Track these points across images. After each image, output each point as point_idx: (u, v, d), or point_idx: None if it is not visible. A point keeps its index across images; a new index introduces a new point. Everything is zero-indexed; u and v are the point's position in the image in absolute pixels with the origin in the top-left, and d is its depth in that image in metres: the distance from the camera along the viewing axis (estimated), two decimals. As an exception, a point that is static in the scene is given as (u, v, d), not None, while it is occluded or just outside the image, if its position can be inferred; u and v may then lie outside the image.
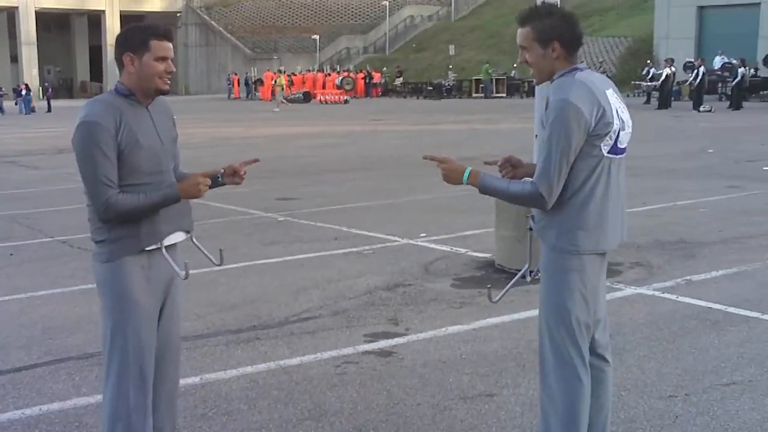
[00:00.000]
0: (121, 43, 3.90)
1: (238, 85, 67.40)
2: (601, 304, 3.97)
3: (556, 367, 3.88)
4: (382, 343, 6.43)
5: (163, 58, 3.87)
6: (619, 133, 3.73)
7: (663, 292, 7.67)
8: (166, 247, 3.99)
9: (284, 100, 51.75)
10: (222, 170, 4.09)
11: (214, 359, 6.12)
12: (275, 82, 55.09)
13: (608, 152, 3.73)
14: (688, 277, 8.17)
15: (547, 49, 3.77)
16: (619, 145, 3.77)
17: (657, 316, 6.99)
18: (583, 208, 3.76)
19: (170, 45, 3.93)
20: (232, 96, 66.82)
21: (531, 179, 3.73)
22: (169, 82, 3.93)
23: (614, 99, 3.76)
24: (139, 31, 3.91)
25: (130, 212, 3.80)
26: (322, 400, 5.35)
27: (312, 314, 7.23)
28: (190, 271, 4.05)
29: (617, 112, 3.74)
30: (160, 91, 3.92)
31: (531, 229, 4.01)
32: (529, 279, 4.19)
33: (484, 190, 3.81)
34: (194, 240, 4.23)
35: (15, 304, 7.76)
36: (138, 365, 3.93)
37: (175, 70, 3.97)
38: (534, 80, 4.03)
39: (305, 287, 8.10)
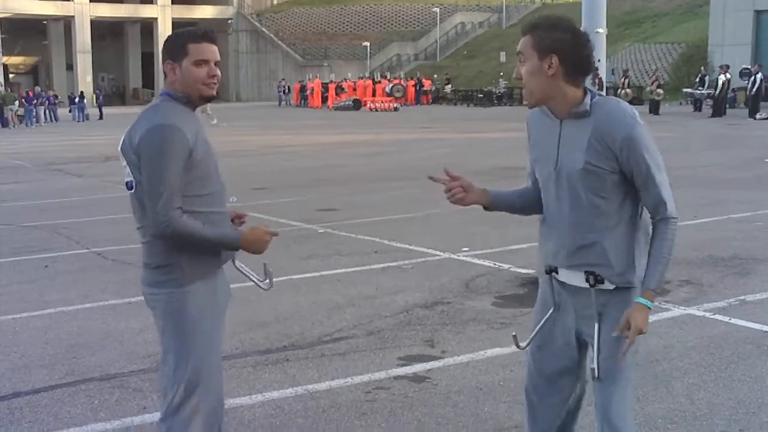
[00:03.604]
0: (164, 51, 3.70)
1: (299, 92, 67.28)
2: None
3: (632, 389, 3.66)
4: (417, 367, 6.13)
5: (204, 62, 3.63)
6: None
7: (715, 314, 7.28)
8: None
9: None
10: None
11: (240, 382, 5.86)
12: None
13: None
14: (742, 297, 7.76)
15: (544, 61, 3.35)
16: None
17: (708, 339, 6.60)
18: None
19: (212, 47, 3.68)
20: (292, 103, 66.96)
21: (659, 217, 3.43)
22: (214, 86, 3.68)
23: None
24: (178, 36, 3.71)
25: (186, 237, 3.55)
26: (349, 429, 5.07)
27: (345, 334, 6.96)
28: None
29: None
30: (205, 98, 3.68)
31: (593, 285, 3.48)
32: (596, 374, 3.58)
33: (659, 286, 3.43)
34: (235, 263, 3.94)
35: (44, 319, 7.59)
36: (215, 399, 3.74)
37: (219, 73, 3.71)
38: (525, 101, 3.52)
39: (340, 304, 7.84)
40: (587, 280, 3.47)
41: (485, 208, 3.78)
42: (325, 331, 7.05)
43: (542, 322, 3.69)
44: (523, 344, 3.76)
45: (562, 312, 3.63)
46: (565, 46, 3.35)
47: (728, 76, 38.12)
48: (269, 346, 6.70)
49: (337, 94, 60.61)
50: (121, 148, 3.60)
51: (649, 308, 3.40)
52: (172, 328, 3.67)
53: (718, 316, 7.20)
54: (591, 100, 3.40)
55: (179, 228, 3.50)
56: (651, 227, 3.48)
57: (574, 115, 3.41)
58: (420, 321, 7.28)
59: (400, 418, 5.21)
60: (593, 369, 3.51)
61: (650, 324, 6.80)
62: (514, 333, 3.86)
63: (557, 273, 3.58)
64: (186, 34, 3.70)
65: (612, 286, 3.47)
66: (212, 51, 3.66)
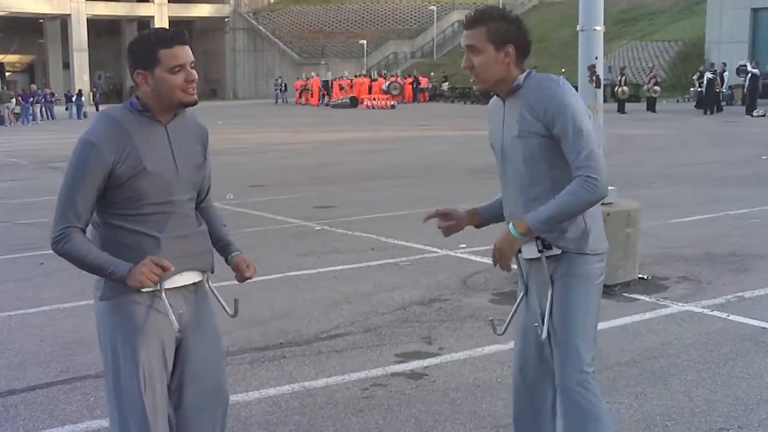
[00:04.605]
0: (130, 59, 3.37)
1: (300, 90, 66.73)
2: None
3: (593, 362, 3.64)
4: (414, 364, 6.10)
5: (180, 67, 3.32)
6: None
7: (713, 310, 7.26)
8: (176, 288, 3.46)
9: None
10: (237, 252, 3.71)
11: (237, 379, 5.83)
12: None
13: None
14: (740, 294, 7.74)
15: (500, 52, 3.53)
16: None
17: (706, 336, 6.58)
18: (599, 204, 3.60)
19: (183, 49, 3.34)
20: (289, 100, 66.50)
21: (577, 174, 3.41)
22: (193, 91, 3.38)
23: None
24: (145, 41, 3.36)
25: (72, 259, 3.32)
26: (345, 426, 5.05)
27: (342, 331, 6.93)
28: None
29: None
30: (184, 104, 3.39)
31: (542, 251, 3.58)
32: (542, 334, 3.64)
33: (539, 229, 3.46)
34: (209, 283, 3.67)
35: (39, 317, 7.57)
36: (137, 419, 3.40)
37: (197, 77, 3.39)
38: (475, 87, 3.70)
39: (337, 301, 7.81)
40: (537, 247, 3.58)
41: (477, 227, 3.97)
42: (321, 328, 7.02)
43: (515, 306, 3.80)
44: (500, 330, 3.82)
45: (532, 291, 3.73)
46: (516, 35, 3.57)
47: (725, 73, 38.09)
48: (266, 343, 6.67)
49: (340, 90, 60.75)
50: None
51: (514, 236, 3.47)
52: (101, 341, 3.49)
53: (716, 313, 7.17)
54: (526, 76, 3.59)
55: (66, 249, 3.30)
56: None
57: (511, 93, 3.60)
58: (417, 318, 7.25)
59: (397, 415, 5.18)
60: (538, 327, 3.63)
61: (648, 321, 6.81)
62: (491, 318, 3.88)
63: (521, 251, 3.66)
64: (154, 38, 3.35)
65: (559, 251, 3.56)
66: (185, 53, 3.36)
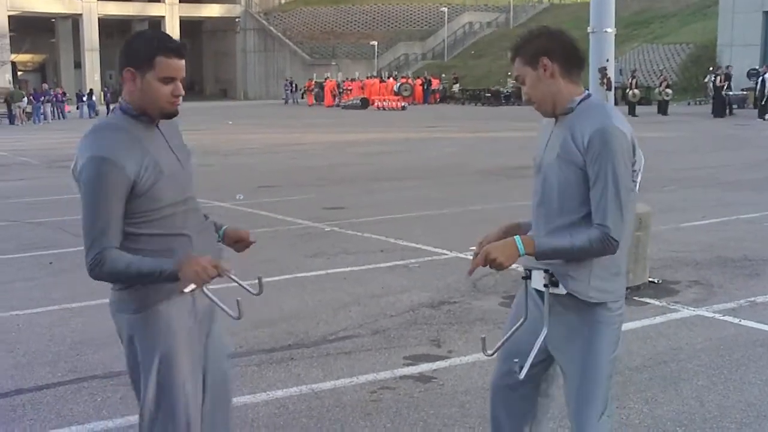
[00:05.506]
0: (124, 53, 3.30)
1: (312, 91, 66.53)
2: None
3: (608, 408, 3.46)
4: (423, 367, 6.07)
5: (171, 79, 3.29)
6: (639, 172, 3.38)
7: (724, 315, 7.20)
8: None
9: None
10: (224, 226, 3.70)
11: (245, 381, 5.80)
12: None
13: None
14: (752, 298, 7.68)
15: (538, 68, 3.35)
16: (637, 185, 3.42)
17: (718, 341, 6.53)
18: (623, 251, 3.35)
19: (181, 63, 3.32)
20: (299, 101, 66.41)
21: (596, 223, 3.23)
22: (178, 104, 3.35)
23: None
24: (146, 42, 3.30)
25: (114, 278, 3.25)
26: (353, 429, 5.01)
27: (351, 333, 6.90)
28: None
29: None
30: (166, 114, 3.35)
31: (547, 286, 3.38)
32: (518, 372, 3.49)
33: (543, 254, 3.28)
34: (205, 289, 3.53)
35: (48, 316, 7.55)
36: (186, 424, 3.40)
37: (183, 93, 3.36)
38: (539, 112, 3.52)
39: (346, 303, 7.78)
40: (544, 279, 3.39)
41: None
42: (330, 330, 6.99)
43: (512, 330, 3.61)
44: (489, 351, 3.64)
45: (529, 320, 3.54)
46: (548, 45, 3.37)
47: (728, 75, 38.12)
48: (274, 344, 6.64)
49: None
50: (72, 170, 3.31)
51: (518, 251, 3.29)
52: (137, 351, 3.39)
53: (727, 318, 7.12)
54: (583, 99, 3.38)
55: (105, 271, 3.20)
56: (624, 247, 3.35)
57: (562, 113, 3.40)
58: (426, 320, 7.21)
59: (405, 419, 5.14)
60: (520, 366, 3.45)
61: (658, 325, 6.76)
62: (483, 336, 3.74)
63: (530, 279, 3.49)
64: (157, 43, 3.29)
65: (564, 291, 3.36)
66: (180, 67, 3.33)
